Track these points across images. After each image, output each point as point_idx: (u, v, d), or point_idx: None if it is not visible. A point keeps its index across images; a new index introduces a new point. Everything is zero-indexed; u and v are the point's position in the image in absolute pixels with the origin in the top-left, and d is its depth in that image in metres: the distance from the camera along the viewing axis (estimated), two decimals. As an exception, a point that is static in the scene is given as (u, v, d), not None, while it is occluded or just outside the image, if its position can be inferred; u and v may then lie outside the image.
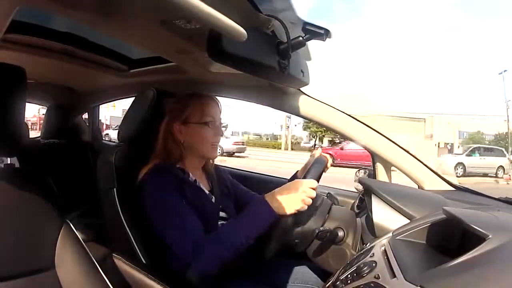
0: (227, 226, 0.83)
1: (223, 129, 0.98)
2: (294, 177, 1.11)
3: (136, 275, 0.84)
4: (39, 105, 2.04)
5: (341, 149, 12.89)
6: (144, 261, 0.90)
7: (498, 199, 0.97)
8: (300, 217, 0.86)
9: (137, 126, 1.04)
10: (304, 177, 0.87)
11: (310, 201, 0.80)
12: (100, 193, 0.96)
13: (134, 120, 1.05)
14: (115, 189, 0.94)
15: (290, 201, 0.79)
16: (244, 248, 0.81)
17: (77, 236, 0.74)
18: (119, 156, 0.98)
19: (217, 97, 1.02)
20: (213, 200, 0.97)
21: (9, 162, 0.73)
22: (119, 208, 0.92)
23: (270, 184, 1.30)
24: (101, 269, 0.73)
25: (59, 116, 1.92)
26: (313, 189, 0.81)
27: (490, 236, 0.48)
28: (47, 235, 0.70)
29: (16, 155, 0.72)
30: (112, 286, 0.73)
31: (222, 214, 0.99)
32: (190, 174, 0.95)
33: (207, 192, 0.97)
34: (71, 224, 0.74)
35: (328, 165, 1.00)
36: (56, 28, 1.15)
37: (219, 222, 0.96)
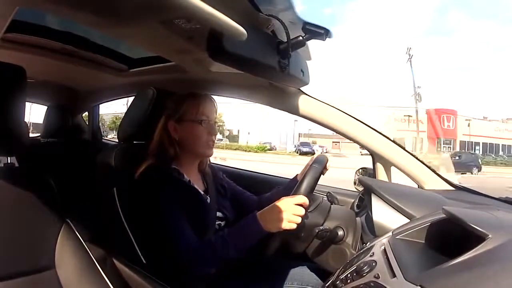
0: (219, 237, 0.84)
1: (217, 128, 0.98)
2: (294, 180, 1.11)
3: (136, 275, 0.84)
4: (40, 104, 2.03)
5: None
6: (144, 261, 0.90)
7: (498, 199, 0.97)
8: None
9: (136, 126, 1.04)
10: (296, 190, 0.87)
11: (299, 219, 0.79)
12: (100, 193, 0.96)
13: (134, 120, 1.05)
14: (115, 189, 0.94)
15: (278, 220, 0.79)
16: (235, 259, 0.82)
17: (77, 236, 0.74)
18: (119, 155, 0.98)
19: (217, 96, 1.03)
20: (208, 200, 0.97)
21: (8, 161, 0.73)
22: (119, 208, 0.93)
23: (269, 183, 1.30)
24: (101, 269, 0.73)
25: (59, 115, 1.91)
26: (302, 205, 0.80)
27: (490, 236, 0.48)
28: (47, 235, 0.70)
29: (16, 154, 0.72)
30: (112, 286, 0.73)
31: (219, 214, 0.99)
32: (185, 175, 0.95)
33: (201, 192, 0.97)
34: (71, 224, 0.74)
35: (327, 165, 1.00)
36: (56, 27, 1.15)
37: (216, 222, 0.97)
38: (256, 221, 0.81)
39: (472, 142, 23.35)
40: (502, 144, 24.04)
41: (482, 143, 23.69)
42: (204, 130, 0.94)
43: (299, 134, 30.10)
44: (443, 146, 22.58)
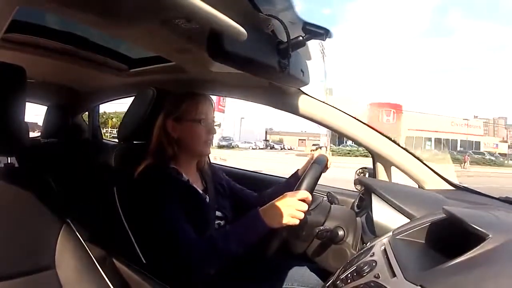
0: (220, 234, 0.83)
1: (215, 127, 0.99)
2: (295, 175, 1.11)
3: (136, 275, 0.84)
4: (40, 105, 2.03)
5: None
6: (143, 261, 0.90)
7: (498, 199, 0.97)
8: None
9: (136, 126, 1.04)
10: (298, 187, 0.87)
11: (302, 215, 0.79)
12: (100, 193, 0.96)
13: (134, 120, 1.05)
14: (115, 189, 0.94)
15: (280, 216, 0.79)
16: (235, 255, 0.82)
17: (77, 236, 0.74)
18: (119, 155, 0.98)
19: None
20: (207, 199, 0.97)
21: (8, 161, 0.73)
22: (119, 208, 0.93)
23: (269, 183, 1.30)
24: (101, 269, 0.73)
25: (59, 115, 1.91)
26: (305, 200, 0.80)
27: (490, 236, 0.48)
28: (47, 235, 0.70)
29: (16, 154, 0.72)
30: (112, 285, 0.73)
31: (218, 213, 0.99)
32: (183, 174, 0.95)
33: (200, 192, 0.97)
34: (71, 224, 0.74)
35: (328, 164, 1.00)
36: (56, 27, 1.14)
37: (215, 222, 0.97)
38: (259, 216, 0.80)
39: (421, 137, 22.33)
40: (461, 140, 23.07)
41: (435, 138, 22.73)
42: (203, 129, 0.94)
43: (265, 130, 31.65)
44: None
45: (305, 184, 0.87)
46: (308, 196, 0.81)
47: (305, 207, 0.80)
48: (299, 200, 0.80)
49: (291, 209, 0.79)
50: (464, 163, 16.54)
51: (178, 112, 0.94)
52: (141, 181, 0.89)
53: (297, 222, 0.79)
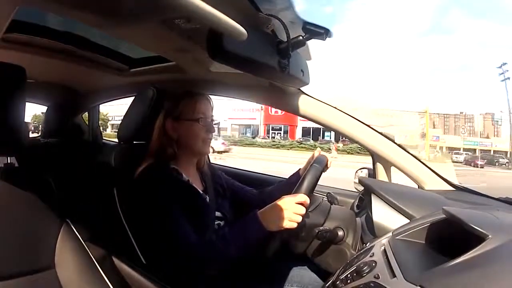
0: (219, 237, 0.84)
1: (214, 126, 0.99)
2: (296, 175, 1.11)
3: (135, 275, 0.84)
4: (40, 105, 2.03)
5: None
6: (143, 261, 0.90)
7: (498, 199, 0.97)
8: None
9: (136, 126, 1.04)
10: (297, 189, 0.87)
11: (299, 218, 0.79)
12: (100, 193, 0.96)
13: (134, 120, 1.05)
14: (115, 189, 0.94)
15: (278, 219, 0.79)
16: (235, 258, 0.82)
17: (77, 236, 0.74)
18: (119, 155, 0.98)
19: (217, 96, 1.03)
20: (207, 199, 0.97)
21: (8, 161, 0.73)
22: (119, 208, 0.93)
23: (269, 183, 1.30)
24: (101, 269, 0.73)
25: (59, 115, 1.92)
26: (303, 204, 0.81)
27: (490, 236, 0.48)
28: (47, 235, 0.70)
29: (16, 154, 0.72)
30: (112, 285, 0.73)
31: (217, 214, 0.99)
32: (183, 174, 0.95)
33: (200, 192, 0.97)
34: (71, 224, 0.74)
35: (328, 164, 1.00)
36: (56, 27, 1.15)
37: (215, 222, 0.97)
38: (257, 219, 0.81)
39: (320, 128, 20.63)
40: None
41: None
42: (201, 128, 0.95)
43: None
44: (272, 132, 22.77)
45: (303, 186, 0.87)
46: (306, 200, 0.81)
47: (302, 210, 0.80)
48: (297, 203, 0.80)
49: (288, 212, 0.79)
50: (332, 151, 14.90)
51: (177, 111, 0.94)
52: (142, 181, 0.89)
53: (294, 225, 0.79)
